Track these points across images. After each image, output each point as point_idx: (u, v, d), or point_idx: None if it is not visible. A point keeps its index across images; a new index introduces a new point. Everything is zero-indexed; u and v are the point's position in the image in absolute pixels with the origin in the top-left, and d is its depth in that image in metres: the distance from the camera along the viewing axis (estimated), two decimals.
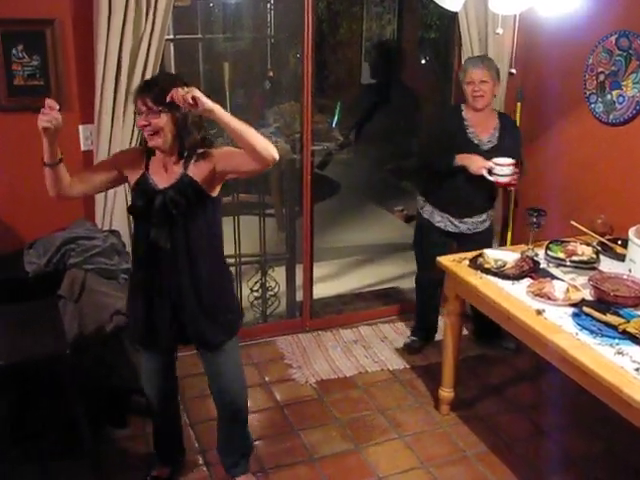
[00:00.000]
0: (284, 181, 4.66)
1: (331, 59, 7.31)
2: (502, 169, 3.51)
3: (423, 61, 5.90)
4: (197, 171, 2.52)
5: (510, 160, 3.53)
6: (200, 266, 2.60)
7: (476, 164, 3.59)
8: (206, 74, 3.90)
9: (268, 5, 5.25)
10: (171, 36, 3.68)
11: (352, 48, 7.18)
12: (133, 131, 3.45)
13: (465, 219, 3.91)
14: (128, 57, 3.30)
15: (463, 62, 3.84)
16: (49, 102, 2.29)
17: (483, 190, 3.77)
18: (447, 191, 3.88)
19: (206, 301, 2.65)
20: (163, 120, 2.42)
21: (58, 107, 2.31)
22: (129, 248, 3.56)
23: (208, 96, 2.30)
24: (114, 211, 3.55)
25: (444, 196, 3.92)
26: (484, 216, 3.94)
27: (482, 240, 3.91)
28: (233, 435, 3.02)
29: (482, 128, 3.74)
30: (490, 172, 3.55)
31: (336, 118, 6.82)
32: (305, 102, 4.00)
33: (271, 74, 5.16)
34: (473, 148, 3.69)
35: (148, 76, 3.36)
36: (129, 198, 3.51)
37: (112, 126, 3.40)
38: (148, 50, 3.33)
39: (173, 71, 4.39)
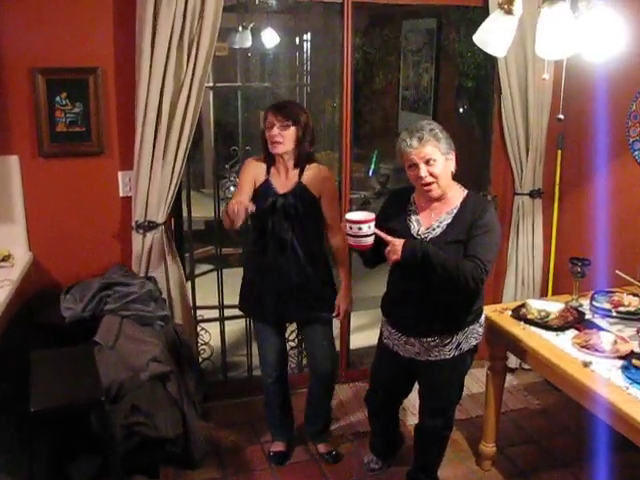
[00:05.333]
0: None
1: (366, 108, 7.33)
2: (348, 227, 2.64)
3: (460, 110, 5.87)
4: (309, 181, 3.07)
5: (358, 216, 2.63)
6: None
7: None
8: (244, 121, 3.92)
9: (304, 56, 5.29)
10: (211, 84, 3.70)
11: (389, 97, 7.19)
12: (172, 175, 3.46)
13: (412, 339, 2.87)
14: (169, 103, 3.32)
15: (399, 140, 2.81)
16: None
17: (444, 295, 2.69)
18: (389, 291, 3.00)
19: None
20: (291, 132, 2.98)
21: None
22: (165, 294, 3.56)
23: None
24: (151, 257, 3.54)
25: (387, 299, 3.01)
26: (445, 339, 2.82)
27: (440, 376, 2.92)
28: (322, 405, 3.51)
29: (430, 212, 2.79)
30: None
31: (373, 167, 6.83)
32: (344, 150, 3.97)
33: None
34: (409, 237, 2.71)
35: (188, 123, 3.39)
36: (165, 245, 3.52)
37: (151, 172, 3.40)
38: (188, 97, 3.35)
39: (212, 118, 4.44)
